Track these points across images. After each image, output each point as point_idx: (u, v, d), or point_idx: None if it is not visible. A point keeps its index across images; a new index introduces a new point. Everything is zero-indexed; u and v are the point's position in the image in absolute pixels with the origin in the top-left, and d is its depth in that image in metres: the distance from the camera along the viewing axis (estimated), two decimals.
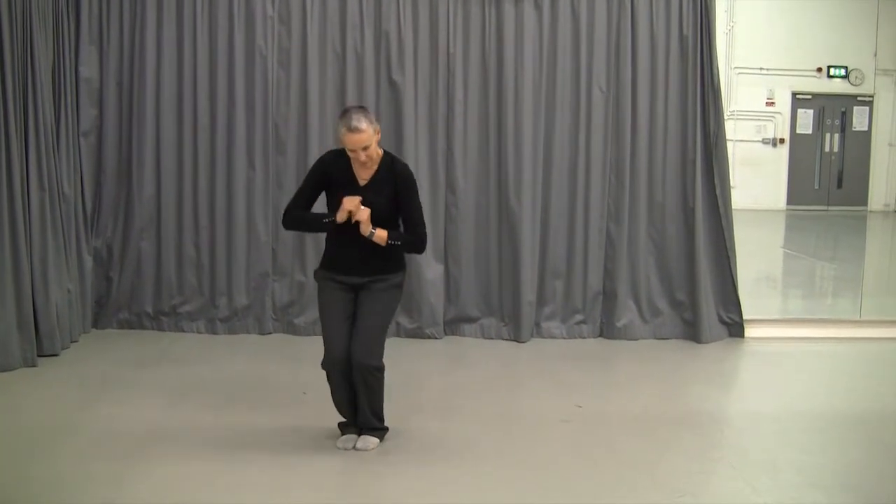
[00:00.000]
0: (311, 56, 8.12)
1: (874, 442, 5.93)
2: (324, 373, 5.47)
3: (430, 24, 8.18)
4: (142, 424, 5.89)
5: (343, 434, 5.61)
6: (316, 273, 5.64)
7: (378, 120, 7.99)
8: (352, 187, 5.38)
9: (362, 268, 5.41)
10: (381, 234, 5.30)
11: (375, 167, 5.42)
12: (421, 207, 5.53)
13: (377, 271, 5.44)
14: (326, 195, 5.51)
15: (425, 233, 5.51)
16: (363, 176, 5.42)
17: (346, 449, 5.51)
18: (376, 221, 5.32)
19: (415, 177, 5.58)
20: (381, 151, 5.45)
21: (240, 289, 8.25)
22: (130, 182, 8.18)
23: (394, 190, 5.37)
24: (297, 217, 5.54)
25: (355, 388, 5.46)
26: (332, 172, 5.45)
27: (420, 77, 8.20)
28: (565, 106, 8.33)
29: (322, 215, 5.45)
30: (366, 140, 5.22)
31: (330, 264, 5.52)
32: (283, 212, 5.64)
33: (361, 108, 5.39)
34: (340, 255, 5.46)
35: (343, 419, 5.66)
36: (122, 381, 6.79)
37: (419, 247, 5.52)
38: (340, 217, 5.28)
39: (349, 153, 5.29)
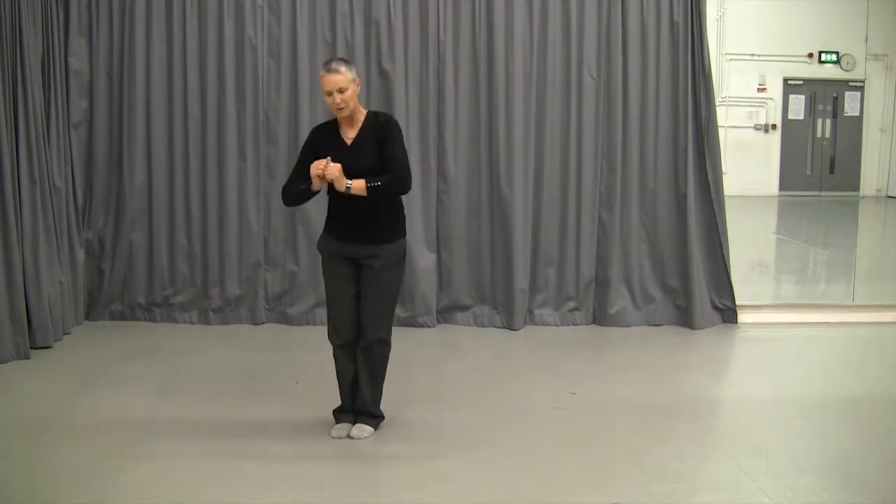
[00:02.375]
0: (301, 46, 8.11)
1: (867, 427, 5.95)
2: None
3: (421, 13, 8.16)
4: (135, 416, 5.89)
5: (337, 423, 5.62)
6: (319, 242, 5.64)
7: (368, 108, 8.06)
8: (340, 148, 5.42)
9: (360, 234, 5.43)
10: (357, 185, 5.28)
11: (360, 125, 5.46)
12: (403, 149, 5.49)
13: (376, 241, 5.44)
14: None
15: (405, 169, 5.43)
16: (349, 135, 5.46)
17: (339, 438, 5.52)
18: (367, 177, 5.31)
19: (398, 125, 5.56)
20: (364, 110, 5.52)
21: (232, 279, 8.25)
22: (121, 173, 8.17)
23: (380, 142, 5.40)
24: (290, 191, 5.57)
25: (359, 368, 5.51)
26: (320, 140, 5.50)
27: (410, 66, 8.18)
28: (556, 93, 8.32)
29: (301, 184, 5.47)
30: (341, 81, 5.28)
31: (331, 227, 5.55)
32: (282, 188, 5.68)
33: (342, 58, 5.54)
34: (339, 218, 5.48)
35: (338, 405, 5.67)
36: (114, 373, 6.79)
37: (400, 183, 5.41)
38: (315, 186, 5.33)
39: (326, 99, 5.36)
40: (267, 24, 8.13)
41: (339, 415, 5.66)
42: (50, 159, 7.53)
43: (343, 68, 5.31)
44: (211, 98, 8.14)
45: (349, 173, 5.28)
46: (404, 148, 5.53)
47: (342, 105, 5.34)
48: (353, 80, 5.36)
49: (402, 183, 5.43)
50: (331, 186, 5.33)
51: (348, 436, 5.52)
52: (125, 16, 8.06)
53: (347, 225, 5.45)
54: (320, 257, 5.67)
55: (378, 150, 5.39)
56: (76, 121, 8.04)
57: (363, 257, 5.45)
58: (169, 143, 8.19)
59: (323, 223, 5.62)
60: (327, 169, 5.25)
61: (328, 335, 5.57)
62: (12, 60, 7.05)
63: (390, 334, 5.56)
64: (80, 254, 8.04)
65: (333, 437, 5.53)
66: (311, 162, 5.41)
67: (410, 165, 5.53)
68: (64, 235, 7.73)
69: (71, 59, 7.97)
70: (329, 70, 5.31)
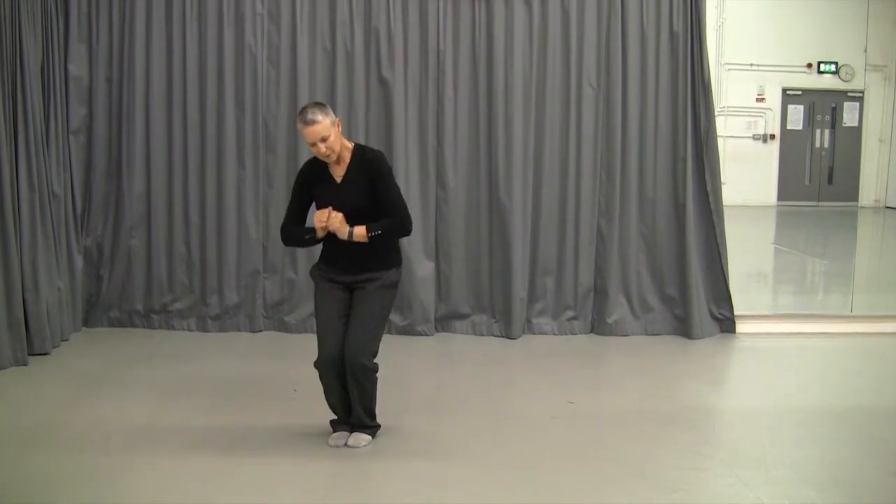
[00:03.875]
0: (300, 53, 8.11)
1: (866, 437, 5.94)
2: (315, 370, 5.48)
3: (420, 22, 8.18)
4: (132, 423, 5.88)
5: (334, 431, 5.62)
6: (313, 270, 5.65)
7: (367, 116, 8.09)
8: (330, 186, 5.44)
9: (355, 267, 5.44)
10: (359, 232, 5.31)
11: (347, 162, 5.44)
12: (397, 189, 5.49)
13: (371, 269, 5.45)
14: (314, 201, 5.55)
15: (405, 213, 5.45)
16: (338, 174, 5.45)
17: (337, 446, 5.51)
18: (359, 215, 5.34)
19: (387, 161, 5.57)
20: (350, 145, 5.50)
21: (230, 287, 8.24)
22: (120, 180, 8.17)
23: (369, 180, 5.38)
24: (290, 234, 5.62)
25: (348, 388, 5.47)
26: (311, 178, 5.52)
27: (410, 74, 8.19)
28: (555, 102, 8.32)
29: (304, 231, 5.52)
30: (322, 131, 5.25)
31: (326, 262, 5.56)
32: (280, 229, 5.69)
33: (318, 104, 5.42)
34: (334, 254, 5.48)
35: (335, 417, 5.66)
36: (112, 380, 6.79)
37: (401, 229, 5.45)
38: (319, 234, 5.39)
39: (310, 148, 5.35)
40: (267, 32, 8.14)
41: (336, 424, 5.66)
42: (49, 166, 7.53)
43: (320, 116, 5.25)
44: (210, 105, 8.14)
45: (340, 210, 5.32)
46: (398, 188, 5.53)
47: (328, 153, 5.33)
48: (333, 124, 5.32)
49: (404, 228, 5.45)
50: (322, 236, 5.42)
51: (345, 444, 5.52)
52: (125, 23, 8.07)
53: (342, 259, 5.44)
54: (313, 282, 5.65)
55: (367, 190, 5.38)
56: (75, 127, 8.04)
57: (357, 282, 5.46)
58: (168, 149, 8.19)
59: None
60: (330, 220, 5.28)
61: (316, 362, 5.47)
62: (12, 67, 7.05)
63: (374, 358, 5.47)
64: (79, 260, 8.03)
65: (330, 446, 5.53)
66: (304, 200, 5.54)
67: (410, 175, 5.53)
68: (62, 242, 7.72)
69: (70, 66, 7.98)
70: (307, 122, 5.25)
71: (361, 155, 5.47)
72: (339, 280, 5.49)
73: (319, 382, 5.49)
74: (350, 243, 5.35)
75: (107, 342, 7.86)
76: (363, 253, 5.40)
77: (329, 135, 5.28)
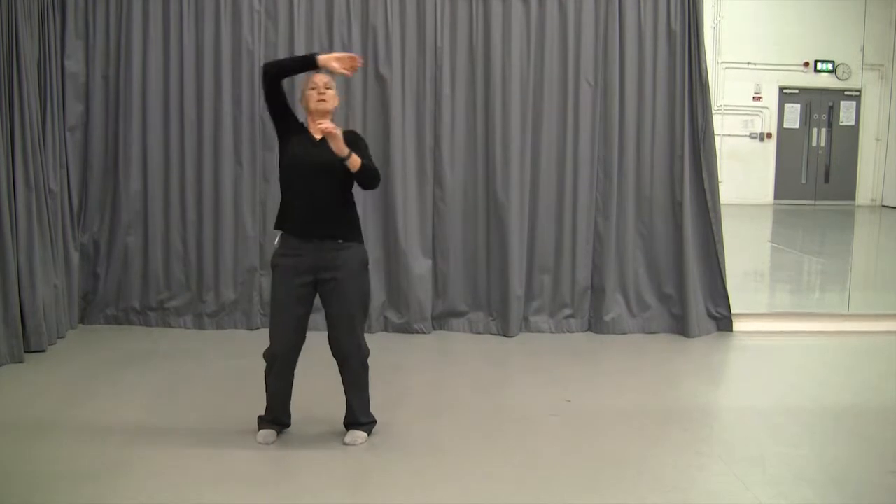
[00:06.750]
0: (298, 51, 8.08)
1: (863, 436, 5.94)
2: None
3: (418, 19, 8.17)
4: (129, 420, 5.87)
5: (261, 429, 5.56)
6: (273, 258, 5.47)
7: (365, 114, 8.10)
8: (308, 144, 5.39)
9: (321, 227, 5.32)
10: (354, 159, 5.24)
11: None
12: (371, 158, 5.51)
13: (335, 235, 5.35)
14: (280, 140, 5.50)
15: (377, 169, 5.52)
16: (318, 134, 5.39)
17: (267, 444, 5.46)
18: (332, 174, 5.30)
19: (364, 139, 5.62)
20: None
21: (227, 284, 8.23)
22: (117, 177, 8.15)
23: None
24: (279, 61, 5.68)
25: (342, 382, 5.49)
26: (295, 125, 5.52)
27: (407, 71, 8.18)
28: (553, 100, 8.31)
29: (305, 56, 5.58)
30: (329, 82, 5.46)
31: (284, 220, 5.42)
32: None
33: None
34: (295, 209, 5.36)
35: (262, 414, 5.60)
36: (108, 377, 6.77)
37: (378, 175, 5.45)
38: (325, 127, 5.17)
39: (309, 94, 5.44)
40: (264, 29, 8.12)
41: (264, 422, 5.60)
42: (45, 163, 7.52)
43: (329, 77, 5.46)
44: (207, 102, 8.13)
45: (317, 167, 5.29)
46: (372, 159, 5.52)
47: (325, 98, 5.43)
48: (336, 91, 5.51)
49: (378, 176, 5.46)
50: (292, 179, 5.38)
51: (343, 443, 5.49)
52: (122, 19, 8.06)
53: (310, 219, 5.32)
54: (272, 272, 5.52)
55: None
56: (72, 124, 8.03)
57: (324, 268, 5.33)
58: (165, 146, 8.18)
59: None
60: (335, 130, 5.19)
61: (265, 353, 5.45)
62: (8, 63, 7.04)
63: (364, 341, 5.47)
64: (75, 257, 8.02)
65: (260, 444, 5.47)
66: (288, 112, 5.51)
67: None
68: (59, 239, 7.71)
69: (67, 62, 7.96)
70: (318, 73, 5.42)
71: (343, 132, 5.39)
72: (304, 268, 5.33)
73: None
74: (313, 198, 5.28)
75: (103, 339, 7.85)
76: (325, 213, 5.31)
77: (332, 87, 5.47)
